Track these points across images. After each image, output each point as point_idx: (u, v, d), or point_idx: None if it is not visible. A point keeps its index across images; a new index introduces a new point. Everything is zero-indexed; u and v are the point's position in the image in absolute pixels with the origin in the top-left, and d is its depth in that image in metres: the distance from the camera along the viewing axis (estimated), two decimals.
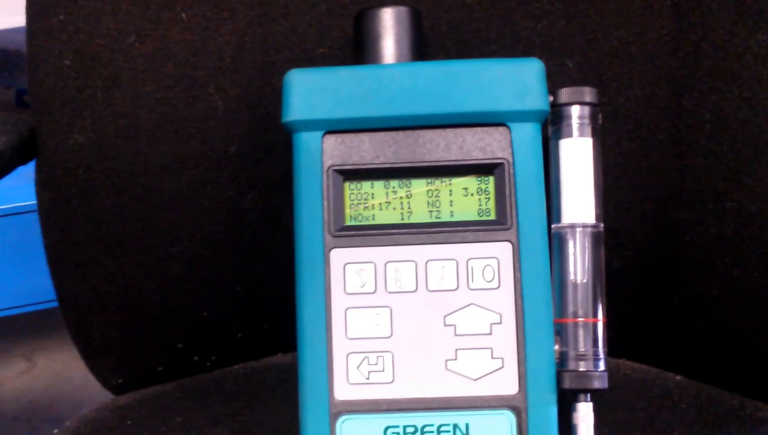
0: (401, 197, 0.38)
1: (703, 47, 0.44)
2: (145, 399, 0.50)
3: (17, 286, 1.14)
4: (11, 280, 1.14)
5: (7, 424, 1.11)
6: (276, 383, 0.50)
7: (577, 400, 0.38)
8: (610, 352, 0.51)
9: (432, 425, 0.37)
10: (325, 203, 0.38)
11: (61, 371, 1.16)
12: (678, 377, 0.50)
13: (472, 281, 0.38)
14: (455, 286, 0.38)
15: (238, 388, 0.50)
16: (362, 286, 0.38)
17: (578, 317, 0.39)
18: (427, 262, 0.38)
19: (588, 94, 0.39)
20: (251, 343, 0.52)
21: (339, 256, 0.38)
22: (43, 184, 0.48)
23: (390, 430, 0.37)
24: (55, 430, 0.49)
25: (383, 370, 0.37)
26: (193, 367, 0.52)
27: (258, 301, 0.51)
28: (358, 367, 0.37)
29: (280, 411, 0.47)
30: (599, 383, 0.38)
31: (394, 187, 0.39)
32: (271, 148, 0.47)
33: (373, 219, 0.38)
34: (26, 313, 1.16)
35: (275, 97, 0.46)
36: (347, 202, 0.38)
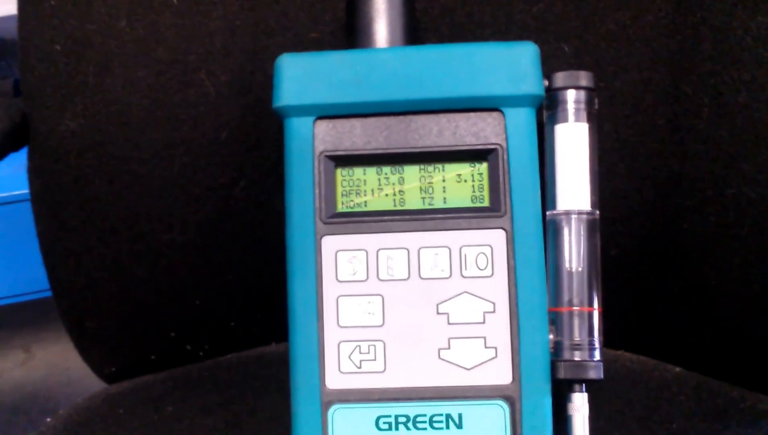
0: (393, 184, 0.38)
1: (702, 30, 0.43)
2: (138, 388, 0.50)
3: (15, 275, 1.14)
4: (9, 270, 1.14)
5: (4, 416, 1.11)
6: (269, 373, 0.50)
7: (572, 391, 0.37)
8: (609, 344, 0.51)
9: (424, 415, 0.36)
10: (317, 190, 0.37)
11: (59, 362, 1.16)
12: (677, 369, 0.49)
13: (466, 269, 0.37)
14: (448, 274, 0.37)
15: (230, 378, 0.50)
16: (354, 274, 0.37)
17: (573, 306, 0.38)
18: (419, 250, 0.37)
19: (584, 78, 0.39)
20: (244, 332, 0.52)
21: (330, 244, 0.37)
22: (35, 171, 0.47)
23: (382, 420, 0.36)
24: (48, 419, 0.49)
25: (375, 359, 0.37)
26: (185, 356, 0.52)
27: (251, 290, 0.50)
28: (349, 356, 0.37)
29: (272, 401, 0.47)
30: (594, 373, 0.37)
31: (386, 174, 0.38)
32: (263, 135, 0.46)
33: (365, 206, 0.38)
34: (24, 303, 1.16)
35: (267, 82, 0.45)
36: (339, 189, 0.38)
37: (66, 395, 1.11)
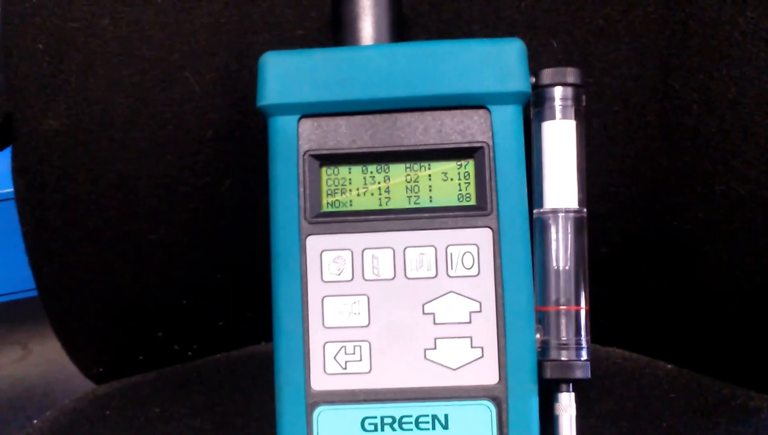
0: (379, 182, 0.38)
1: (691, 25, 0.43)
2: (125, 388, 0.50)
3: (12, 272, 1.14)
4: (6, 266, 1.13)
5: (1, 412, 1.11)
6: (258, 372, 0.50)
7: (559, 390, 0.37)
8: (601, 340, 0.50)
9: (410, 416, 0.36)
10: (301, 189, 0.37)
11: (56, 359, 1.16)
12: (669, 366, 0.49)
13: (452, 268, 0.37)
14: (434, 274, 0.37)
15: (219, 378, 0.50)
16: (339, 274, 0.37)
17: (560, 305, 0.38)
18: (405, 249, 0.37)
19: (571, 74, 0.38)
20: (233, 331, 0.52)
21: (315, 244, 0.37)
22: (18, 171, 0.47)
23: (367, 421, 0.36)
24: (35, 420, 0.48)
25: (360, 360, 0.36)
26: (174, 355, 0.52)
27: (239, 289, 0.50)
28: (335, 357, 0.36)
29: (261, 401, 0.47)
30: (581, 373, 0.37)
31: (371, 172, 0.38)
32: (249, 133, 0.46)
33: (351, 205, 0.37)
34: (22, 299, 1.16)
35: (252, 80, 0.45)
36: (324, 188, 0.38)
37: (63, 392, 1.11)
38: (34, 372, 1.16)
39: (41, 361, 1.17)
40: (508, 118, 0.37)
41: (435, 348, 0.36)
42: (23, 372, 1.17)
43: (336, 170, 0.38)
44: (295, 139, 0.37)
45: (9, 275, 1.14)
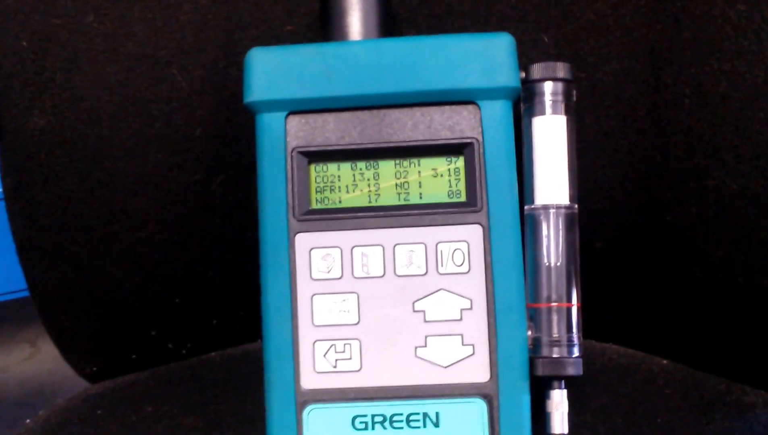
0: (368, 179, 0.37)
1: (682, 19, 0.42)
2: (119, 388, 0.50)
3: (20, 269, 1.13)
4: (15, 264, 1.12)
5: (10, 410, 1.11)
6: (252, 370, 0.49)
7: (550, 388, 0.37)
8: (597, 336, 0.50)
9: (401, 414, 0.36)
10: (290, 186, 0.37)
11: None
12: (665, 361, 0.49)
13: (442, 266, 0.36)
14: (424, 271, 0.36)
15: (213, 376, 0.50)
16: (328, 272, 0.37)
17: (552, 302, 0.38)
18: (395, 246, 0.37)
19: (561, 69, 0.38)
20: (228, 329, 0.51)
21: (304, 241, 0.37)
22: (6, 170, 0.47)
23: (358, 420, 0.36)
24: (27, 420, 0.48)
25: (351, 358, 0.36)
26: (168, 354, 0.51)
27: (232, 287, 0.50)
28: (324, 355, 0.36)
29: (255, 399, 0.47)
30: (573, 370, 0.36)
31: (361, 169, 0.37)
32: (239, 130, 0.46)
33: (340, 202, 0.37)
34: (30, 297, 1.15)
35: (241, 77, 0.44)
36: (312, 185, 0.37)
37: (72, 389, 1.11)
38: (42, 370, 1.16)
39: (50, 358, 1.17)
40: (497, 113, 0.36)
41: (425, 346, 0.36)
42: (32, 370, 1.17)
43: (325, 167, 0.37)
44: (282, 136, 0.37)
45: (16, 273, 1.14)
